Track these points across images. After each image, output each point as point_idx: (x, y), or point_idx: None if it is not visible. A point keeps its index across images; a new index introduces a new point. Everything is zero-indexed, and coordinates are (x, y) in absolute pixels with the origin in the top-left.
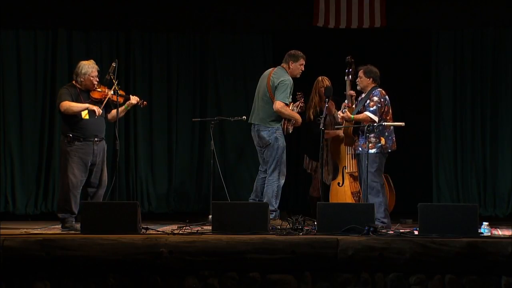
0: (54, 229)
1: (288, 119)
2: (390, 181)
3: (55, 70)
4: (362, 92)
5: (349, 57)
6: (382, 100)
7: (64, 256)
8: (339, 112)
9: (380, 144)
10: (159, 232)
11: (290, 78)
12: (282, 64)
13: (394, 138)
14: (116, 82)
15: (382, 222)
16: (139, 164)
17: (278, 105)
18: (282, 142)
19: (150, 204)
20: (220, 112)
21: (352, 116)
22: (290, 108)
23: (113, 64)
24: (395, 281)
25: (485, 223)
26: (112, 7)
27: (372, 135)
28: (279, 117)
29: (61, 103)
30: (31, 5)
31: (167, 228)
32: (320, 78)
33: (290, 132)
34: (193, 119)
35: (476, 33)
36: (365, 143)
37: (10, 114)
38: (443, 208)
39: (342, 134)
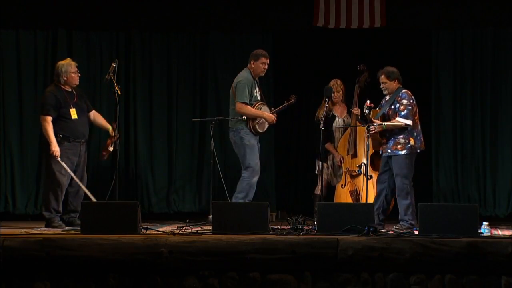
0: (54, 229)
1: (253, 118)
2: None
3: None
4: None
5: (361, 65)
6: (411, 101)
7: (64, 256)
8: (372, 127)
9: (410, 145)
10: (159, 232)
11: (250, 77)
12: (248, 65)
13: (422, 137)
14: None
15: (410, 224)
16: (139, 164)
17: (237, 106)
18: (247, 140)
19: (150, 204)
20: (220, 112)
21: (384, 125)
22: (273, 112)
23: (113, 64)
24: (395, 281)
25: (485, 223)
26: (112, 7)
27: (401, 136)
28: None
29: (45, 117)
30: (31, 5)
31: (167, 228)
32: (332, 82)
33: (265, 129)
34: (193, 119)
35: (476, 33)
36: (369, 143)
37: (10, 114)
38: (443, 208)
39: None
